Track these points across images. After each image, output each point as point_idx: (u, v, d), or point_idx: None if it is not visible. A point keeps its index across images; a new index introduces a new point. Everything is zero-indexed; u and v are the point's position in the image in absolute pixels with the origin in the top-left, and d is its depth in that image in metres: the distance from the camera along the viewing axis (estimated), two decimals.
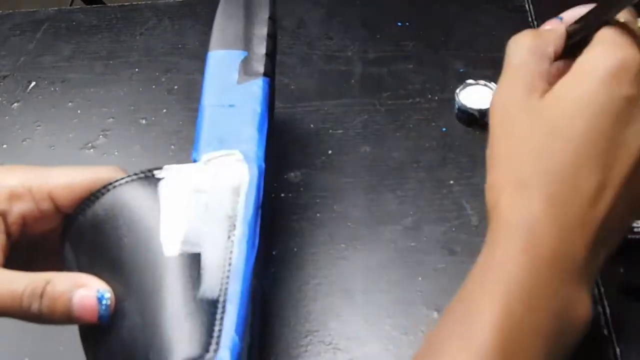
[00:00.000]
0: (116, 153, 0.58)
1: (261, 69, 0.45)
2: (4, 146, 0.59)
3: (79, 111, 0.61)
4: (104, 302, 0.33)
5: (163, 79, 0.63)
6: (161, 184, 0.37)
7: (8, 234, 0.35)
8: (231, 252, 0.35)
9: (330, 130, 0.57)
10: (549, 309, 0.30)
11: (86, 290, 0.33)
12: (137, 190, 0.37)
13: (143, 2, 0.70)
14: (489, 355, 0.28)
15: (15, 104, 0.62)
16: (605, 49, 0.32)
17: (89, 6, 0.75)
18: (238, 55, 0.46)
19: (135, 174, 0.38)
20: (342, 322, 0.45)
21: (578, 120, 0.31)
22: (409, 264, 0.48)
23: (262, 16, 0.48)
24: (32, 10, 0.71)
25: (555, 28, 0.37)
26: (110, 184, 0.37)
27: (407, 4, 0.66)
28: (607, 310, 0.45)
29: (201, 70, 0.63)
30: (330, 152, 0.55)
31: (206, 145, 0.41)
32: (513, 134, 0.34)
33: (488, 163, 0.35)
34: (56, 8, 0.71)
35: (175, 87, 0.62)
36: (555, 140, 0.32)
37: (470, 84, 0.56)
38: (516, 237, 0.31)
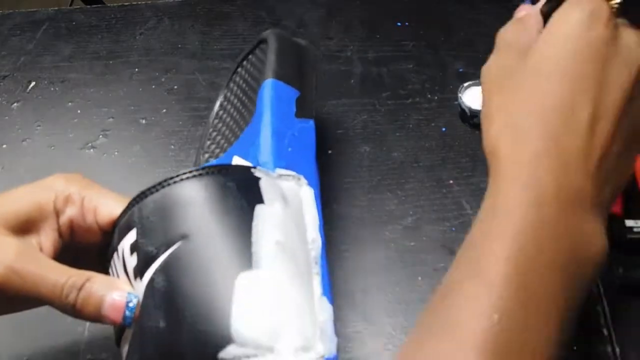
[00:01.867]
0: (116, 153, 0.58)
1: (312, 112, 0.47)
2: (4, 146, 0.59)
3: (79, 111, 0.61)
4: (130, 304, 0.35)
5: (163, 79, 0.63)
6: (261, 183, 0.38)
7: (60, 234, 0.38)
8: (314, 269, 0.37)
9: (330, 131, 0.57)
10: (560, 242, 0.30)
11: (118, 293, 0.35)
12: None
13: (143, 2, 0.70)
14: (504, 289, 0.29)
15: (15, 104, 0.62)
16: (574, 4, 0.34)
17: (89, 6, 0.75)
18: (294, 92, 0.47)
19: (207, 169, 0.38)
20: (342, 322, 0.45)
21: (562, 62, 0.33)
22: (409, 264, 0.48)
23: (310, 65, 0.50)
24: (32, 10, 0.71)
25: (530, 12, 0.39)
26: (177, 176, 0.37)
27: (407, 4, 0.66)
28: (607, 310, 0.45)
29: (201, 70, 0.63)
30: (330, 152, 0.55)
31: (278, 160, 0.42)
32: (504, 88, 0.35)
33: (483, 122, 0.35)
34: (56, 8, 0.71)
35: (175, 87, 0.62)
36: (543, 83, 0.33)
37: (472, 84, 0.56)
38: (518, 176, 0.31)
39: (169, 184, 0.37)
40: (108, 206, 0.38)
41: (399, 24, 0.65)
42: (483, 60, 0.60)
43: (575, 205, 0.31)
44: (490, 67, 0.37)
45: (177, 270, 0.34)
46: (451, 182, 0.52)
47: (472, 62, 0.61)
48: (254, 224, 0.35)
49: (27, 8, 0.72)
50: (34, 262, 0.36)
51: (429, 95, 0.59)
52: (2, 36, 0.68)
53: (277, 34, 0.51)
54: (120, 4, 0.71)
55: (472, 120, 0.55)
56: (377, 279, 0.47)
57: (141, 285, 0.35)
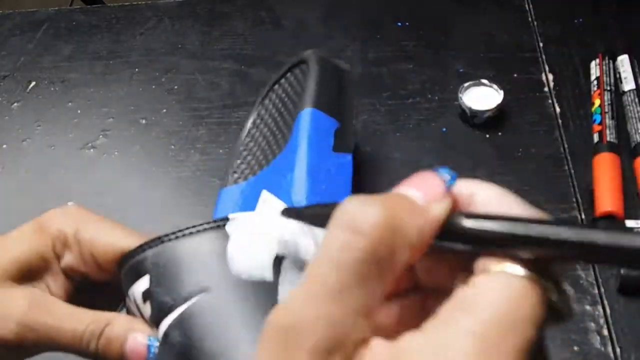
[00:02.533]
0: (116, 153, 0.58)
1: (351, 144, 0.46)
2: (4, 146, 0.59)
3: (79, 111, 0.61)
4: (152, 349, 0.34)
5: (163, 79, 0.63)
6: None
7: (66, 275, 0.37)
8: None
9: None
10: None
11: (139, 337, 0.34)
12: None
13: (143, 2, 0.70)
14: None
15: (15, 104, 0.62)
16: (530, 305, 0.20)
17: (89, 6, 0.75)
18: (333, 123, 0.45)
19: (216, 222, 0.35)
20: None
21: None
22: None
23: (351, 93, 0.49)
24: (32, 10, 0.71)
25: (433, 198, 0.24)
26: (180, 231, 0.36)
27: (407, 4, 0.66)
28: (607, 310, 0.45)
29: (201, 70, 0.63)
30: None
31: (311, 199, 0.40)
32: None
33: None
34: (56, 8, 0.71)
35: (175, 87, 0.62)
36: None
37: (472, 85, 0.56)
38: None
39: (190, 233, 0.35)
40: (105, 243, 0.36)
41: (399, 24, 0.65)
42: (483, 60, 0.61)
43: None
44: None
45: (195, 326, 0.32)
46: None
47: (472, 62, 0.60)
48: (280, 279, 0.33)
49: (27, 8, 0.72)
50: (48, 312, 0.34)
51: (429, 96, 0.59)
52: (2, 36, 0.68)
53: (318, 57, 0.49)
54: (120, 4, 0.71)
55: (472, 120, 0.55)
56: None
57: (157, 335, 0.34)
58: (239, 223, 0.35)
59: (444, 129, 0.56)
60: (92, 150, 0.58)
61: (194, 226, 0.35)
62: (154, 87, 0.62)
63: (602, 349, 0.43)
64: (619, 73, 0.57)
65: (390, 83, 0.60)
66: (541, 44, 0.61)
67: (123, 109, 0.61)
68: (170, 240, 0.35)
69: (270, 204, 0.40)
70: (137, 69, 0.64)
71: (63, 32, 0.68)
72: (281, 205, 0.40)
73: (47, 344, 0.34)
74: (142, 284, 0.34)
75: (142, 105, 0.61)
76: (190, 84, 0.62)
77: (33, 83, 0.64)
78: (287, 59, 0.63)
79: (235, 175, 0.48)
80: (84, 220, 0.37)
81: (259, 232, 0.35)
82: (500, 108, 0.55)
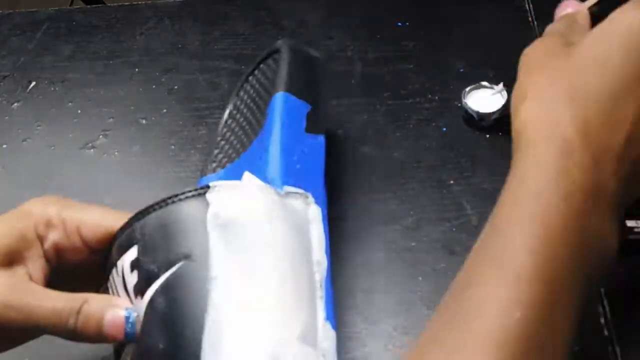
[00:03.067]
0: (116, 153, 0.58)
1: (324, 126, 0.47)
2: (4, 146, 0.59)
3: (79, 111, 0.61)
4: (130, 320, 0.35)
5: (163, 79, 0.63)
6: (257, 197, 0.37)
7: (47, 259, 0.37)
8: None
9: (330, 131, 0.57)
10: (583, 237, 0.30)
11: (117, 309, 0.35)
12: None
13: (143, 2, 0.70)
14: (530, 284, 0.28)
15: (16, 104, 0.62)
16: (634, 7, 0.33)
17: (89, 6, 0.75)
18: (305, 107, 0.47)
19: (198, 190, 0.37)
20: (342, 322, 0.45)
21: (614, 59, 0.32)
22: (409, 264, 0.48)
23: (320, 78, 0.50)
24: (32, 10, 0.71)
25: (579, 9, 0.39)
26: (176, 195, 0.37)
27: (407, 4, 0.66)
28: (607, 310, 0.45)
29: (201, 70, 0.63)
30: (330, 152, 0.55)
31: (286, 177, 0.41)
32: (546, 69, 0.34)
33: (514, 99, 0.34)
34: (56, 8, 0.71)
35: (175, 87, 0.62)
36: (590, 75, 0.32)
37: (474, 88, 0.56)
38: (548, 164, 0.31)
39: (173, 202, 0.36)
40: (92, 222, 0.38)
41: (399, 24, 0.65)
42: (483, 60, 0.60)
43: (599, 202, 0.31)
44: (536, 47, 0.37)
45: (178, 291, 0.34)
46: (451, 182, 0.52)
47: (472, 62, 0.60)
48: None
49: (27, 8, 0.71)
50: (27, 293, 0.35)
51: (429, 96, 0.58)
52: (2, 36, 0.68)
53: (290, 44, 0.50)
54: (120, 4, 0.71)
55: (480, 123, 0.55)
56: (377, 279, 0.47)
57: (142, 303, 0.35)
58: (220, 190, 0.36)
59: (444, 129, 0.56)
60: (92, 150, 0.58)
61: (177, 195, 0.36)
62: (154, 87, 0.62)
63: (603, 348, 0.43)
64: None
65: (390, 83, 0.60)
66: None
67: (123, 109, 0.61)
68: (155, 210, 0.36)
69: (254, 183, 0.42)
70: (137, 69, 0.64)
71: (63, 32, 0.68)
72: (262, 183, 0.41)
73: (27, 325, 0.35)
74: (131, 254, 0.35)
75: (142, 105, 0.61)
76: (190, 84, 0.62)
77: (33, 83, 0.64)
78: None
79: (214, 165, 0.49)
80: (68, 204, 0.39)
81: (239, 200, 0.36)
82: (505, 108, 0.55)
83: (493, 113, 0.54)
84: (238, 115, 0.51)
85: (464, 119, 0.56)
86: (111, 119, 0.60)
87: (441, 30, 0.64)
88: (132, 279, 0.35)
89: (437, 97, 0.58)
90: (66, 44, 0.67)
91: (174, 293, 0.34)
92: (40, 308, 0.35)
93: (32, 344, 0.47)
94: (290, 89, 0.47)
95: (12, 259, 0.36)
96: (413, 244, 0.49)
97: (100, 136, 0.59)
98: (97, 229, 0.37)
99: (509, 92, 0.55)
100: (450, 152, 0.54)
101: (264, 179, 0.41)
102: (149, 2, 0.70)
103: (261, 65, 0.52)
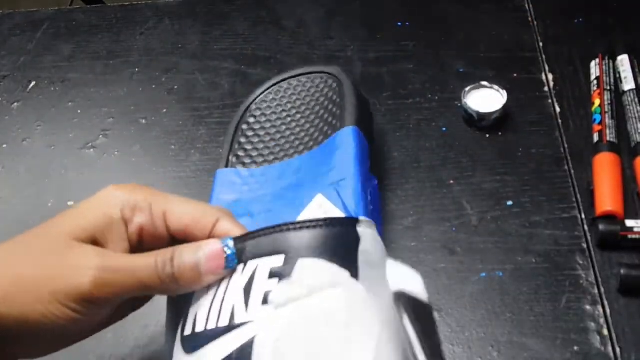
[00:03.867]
0: (116, 153, 0.58)
1: (377, 168, 0.48)
2: (4, 146, 0.59)
3: (79, 111, 0.61)
4: (229, 244, 0.35)
5: (163, 79, 0.63)
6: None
7: (129, 242, 0.37)
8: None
9: None
10: None
11: (212, 242, 0.36)
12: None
13: (143, 2, 0.70)
14: None
15: (16, 104, 0.62)
16: None
17: (89, 6, 0.75)
18: (368, 146, 0.48)
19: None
20: None
21: None
22: (409, 264, 0.48)
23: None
24: (32, 10, 0.71)
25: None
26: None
27: (407, 4, 0.66)
28: (607, 310, 0.45)
29: (201, 70, 0.63)
30: None
31: (365, 213, 0.43)
32: None
33: None
34: (56, 8, 0.71)
35: (176, 87, 0.62)
36: None
37: (473, 88, 0.56)
38: None
39: (326, 224, 0.35)
40: (179, 210, 0.37)
41: (399, 24, 0.65)
42: (483, 60, 0.61)
43: None
44: None
45: (324, 318, 0.33)
46: (451, 182, 0.52)
47: (472, 62, 0.61)
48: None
49: (27, 8, 0.72)
50: (118, 257, 0.35)
51: (429, 95, 0.59)
52: (2, 36, 0.68)
53: (349, 76, 0.51)
54: (120, 3, 0.71)
55: (480, 123, 0.55)
56: None
57: (265, 312, 0.33)
58: (366, 226, 0.36)
59: (444, 129, 0.56)
60: (92, 150, 0.58)
61: (329, 219, 0.35)
62: (154, 87, 0.62)
63: (602, 349, 0.43)
64: (619, 73, 0.57)
65: (390, 83, 0.60)
66: (541, 44, 0.61)
67: (123, 108, 0.61)
68: (308, 227, 0.35)
69: (325, 209, 0.42)
70: (137, 69, 0.64)
71: (63, 32, 0.68)
72: (338, 213, 0.42)
73: (127, 284, 0.34)
74: (275, 261, 0.34)
75: (142, 105, 0.61)
76: (190, 84, 0.62)
77: (33, 83, 0.64)
78: (287, 59, 0.63)
79: (237, 160, 0.50)
80: (153, 191, 0.39)
81: (377, 239, 0.36)
82: (505, 108, 0.55)
83: (493, 113, 0.54)
84: (274, 117, 0.52)
85: (464, 119, 0.56)
86: (111, 119, 0.60)
87: (441, 30, 0.64)
88: (268, 285, 0.34)
89: (437, 97, 0.58)
90: (66, 44, 0.67)
91: (316, 320, 0.33)
92: (135, 265, 0.35)
93: None
94: (360, 125, 0.47)
95: (97, 239, 0.36)
96: (413, 244, 0.49)
97: (100, 136, 0.59)
98: (183, 218, 0.37)
99: (509, 92, 0.55)
100: (450, 152, 0.54)
101: (345, 210, 0.42)
102: (149, 2, 0.70)
103: (307, 77, 0.53)
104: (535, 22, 0.63)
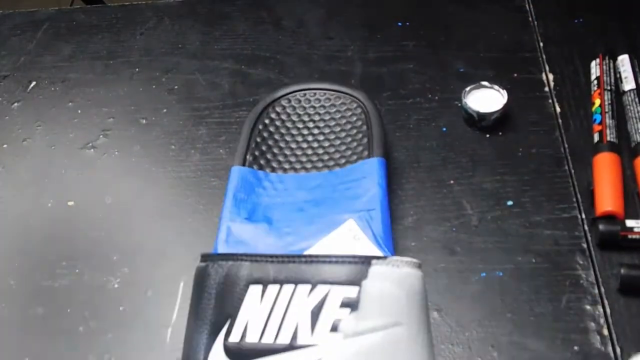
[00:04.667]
0: (116, 153, 0.58)
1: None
2: (4, 146, 0.59)
3: (79, 111, 0.61)
4: None
5: (163, 79, 0.63)
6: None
7: None
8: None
9: None
10: None
11: None
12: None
13: (143, 2, 0.70)
14: None
15: (16, 104, 0.62)
16: None
17: (89, 6, 0.75)
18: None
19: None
20: None
21: None
22: None
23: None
24: (32, 10, 0.71)
25: None
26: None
27: (407, 4, 0.66)
28: (608, 310, 0.45)
29: (201, 70, 0.63)
30: None
31: (390, 247, 0.44)
32: None
33: None
34: (56, 8, 0.71)
35: (176, 87, 0.62)
36: None
37: (474, 88, 0.56)
38: None
39: (397, 265, 0.37)
40: None
41: (399, 24, 0.65)
42: (483, 60, 0.61)
43: None
44: None
45: (380, 354, 0.34)
46: (452, 182, 0.52)
47: (472, 62, 0.61)
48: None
49: (27, 8, 0.72)
50: None
51: (430, 95, 0.59)
52: (2, 36, 0.68)
53: (375, 104, 0.52)
54: (120, 3, 0.71)
55: (480, 123, 0.55)
56: None
57: (333, 339, 0.34)
58: (415, 266, 0.38)
59: (444, 129, 0.56)
60: (92, 150, 0.58)
61: (397, 259, 0.37)
62: (154, 87, 0.62)
63: (603, 348, 0.43)
64: (619, 73, 0.57)
65: (390, 83, 0.60)
66: (541, 44, 0.61)
67: (123, 108, 0.61)
68: (385, 264, 0.37)
69: (354, 234, 0.44)
70: (137, 69, 0.64)
71: (63, 32, 0.68)
72: (368, 242, 0.43)
73: None
74: (350, 291, 0.36)
75: (143, 105, 0.61)
76: (190, 84, 0.62)
77: (33, 83, 0.64)
78: (287, 59, 0.63)
79: (253, 159, 0.50)
80: None
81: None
82: (505, 108, 0.55)
83: (493, 113, 0.54)
84: (293, 129, 0.52)
85: (464, 119, 0.56)
86: (111, 119, 0.60)
87: (441, 30, 0.64)
88: (339, 314, 0.35)
89: (437, 97, 0.58)
90: (66, 44, 0.67)
91: (380, 354, 0.34)
92: None
93: (32, 344, 0.47)
94: (385, 156, 0.49)
95: None
96: (413, 244, 0.49)
97: (101, 136, 0.59)
98: None
99: (509, 92, 0.55)
100: (450, 152, 0.54)
101: (372, 237, 0.44)
102: (149, 2, 0.70)
103: (331, 93, 0.54)
104: (535, 22, 0.63)
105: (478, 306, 0.46)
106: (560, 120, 0.56)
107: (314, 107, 0.53)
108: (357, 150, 0.50)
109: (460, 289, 0.47)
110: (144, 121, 0.60)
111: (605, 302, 0.45)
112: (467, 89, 0.56)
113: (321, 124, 0.52)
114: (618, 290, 0.46)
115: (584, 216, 0.50)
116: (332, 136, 0.51)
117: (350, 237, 0.44)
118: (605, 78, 0.56)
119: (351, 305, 0.35)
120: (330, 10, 0.67)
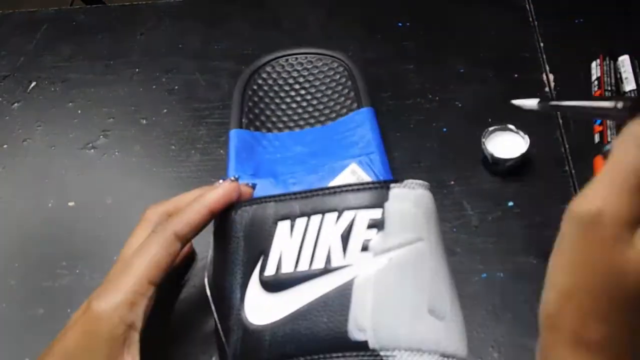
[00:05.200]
0: (117, 153, 0.58)
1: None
2: (5, 146, 0.59)
3: (79, 111, 0.61)
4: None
5: (163, 79, 0.63)
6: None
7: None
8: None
9: None
10: None
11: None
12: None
13: (143, 2, 0.70)
14: None
15: (16, 104, 0.62)
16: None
17: (89, 6, 0.75)
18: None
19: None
20: None
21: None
22: None
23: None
24: (32, 10, 0.71)
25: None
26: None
27: (407, 4, 0.66)
28: None
29: (201, 70, 0.63)
30: None
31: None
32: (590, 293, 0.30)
33: (550, 289, 0.32)
34: (56, 8, 0.71)
35: (176, 87, 0.62)
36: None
37: (496, 130, 0.53)
38: None
39: (427, 187, 0.40)
40: (183, 223, 0.40)
41: (399, 24, 0.65)
42: (483, 60, 0.61)
43: None
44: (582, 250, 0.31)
45: (408, 264, 0.37)
46: (452, 182, 0.52)
47: (472, 62, 0.60)
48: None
49: (27, 8, 0.72)
50: None
51: (430, 96, 0.59)
52: (2, 36, 0.68)
53: (355, 61, 0.57)
54: (120, 4, 0.71)
55: (494, 167, 0.53)
56: None
57: (365, 258, 0.37)
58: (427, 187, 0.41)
59: (444, 129, 0.56)
60: (92, 150, 0.58)
61: (416, 182, 0.40)
62: (154, 87, 0.62)
63: None
64: (620, 73, 0.57)
65: (390, 83, 0.60)
66: (541, 44, 0.61)
67: (123, 109, 0.61)
68: (411, 187, 0.40)
69: (358, 175, 0.49)
70: (137, 69, 0.64)
71: (63, 32, 0.68)
72: (368, 179, 0.48)
73: None
74: (374, 213, 0.38)
75: (143, 106, 0.61)
76: (190, 84, 0.62)
77: (33, 83, 0.64)
78: None
79: (248, 122, 0.54)
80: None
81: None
82: (525, 155, 0.52)
83: (508, 160, 0.52)
84: (280, 89, 0.56)
85: (482, 161, 0.54)
86: (111, 119, 0.60)
87: (441, 30, 0.64)
88: (367, 234, 0.38)
89: (437, 97, 0.58)
90: (66, 44, 0.67)
91: (406, 265, 0.37)
92: None
93: (32, 344, 0.47)
94: (373, 105, 0.54)
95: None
96: None
97: (101, 136, 0.59)
98: (192, 229, 0.40)
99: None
100: (450, 152, 0.54)
101: (374, 177, 0.49)
102: (149, 2, 0.70)
103: (309, 57, 0.58)
104: (535, 22, 0.63)
105: (478, 306, 0.46)
106: (560, 121, 0.56)
107: (297, 70, 0.57)
108: (345, 103, 0.55)
109: (460, 289, 0.46)
110: (144, 121, 0.60)
111: None
112: (491, 129, 0.53)
113: (307, 85, 0.56)
114: None
115: None
116: (319, 94, 0.55)
117: (354, 179, 0.48)
118: (605, 79, 0.56)
119: (377, 225, 0.38)
120: (330, 10, 0.67)
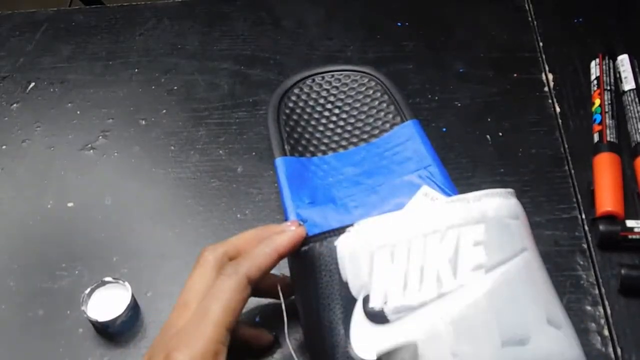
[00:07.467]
0: (116, 154, 0.58)
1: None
2: (4, 147, 0.59)
3: (78, 112, 0.61)
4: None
5: (163, 80, 0.63)
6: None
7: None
8: None
9: None
10: None
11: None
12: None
13: (143, 3, 0.70)
14: None
15: (15, 105, 0.62)
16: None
17: (88, 7, 0.75)
18: None
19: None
20: None
21: None
22: None
23: None
24: (31, 10, 0.71)
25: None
26: None
27: (407, 4, 0.66)
28: (608, 311, 0.45)
29: (201, 71, 0.63)
30: None
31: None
32: None
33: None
34: (55, 8, 0.71)
35: (175, 87, 0.62)
36: None
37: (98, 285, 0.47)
38: None
39: (509, 195, 0.40)
40: (255, 266, 0.39)
41: (399, 24, 0.65)
42: (483, 60, 0.61)
43: None
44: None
45: (520, 278, 0.37)
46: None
47: (472, 62, 0.60)
48: None
49: (27, 9, 0.71)
50: None
51: (429, 96, 0.58)
52: (1, 37, 0.68)
53: (384, 74, 0.56)
54: (119, 4, 0.71)
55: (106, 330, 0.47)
56: None
57: (477, 276, 0.36)
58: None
59: (444, 129, 0.56)
60: (91, 151, 0.58)
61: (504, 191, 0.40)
62: (153, 87, 0.62)
63: (603, 349, 0.43)
64: (619, 73, 0.57)
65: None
66: (541, 44, 0.61)
67: (123, 109, 0.61)
68: (505, 197, 0.39)
69: (431, 196, 0.47)
70: (136, 70, 0.64)
71: (62, 33, 0.68)
72: (442, 197, 0.46)
73: None
74: (477, 230, 0.38)
75: (142, 106, 0.61)
76: (190, 84, 0.62)
77: (32, 84, 0.64)
78: (287, 60, 0.63)
79: (291, 148, 0.51)
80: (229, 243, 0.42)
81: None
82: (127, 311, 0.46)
83: (117, 318, 0.46)
84: (312, 111, 0.54)
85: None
86: (111, 120, 0.60)
87: (441, 30, 0.64)
88: (475, 252, 0.37)
89: (437, 98, 0.58)
90: (65, 45, 0.67)
91: (519, 278, 0.37)
92: None
93: (31, 345, 0.47)
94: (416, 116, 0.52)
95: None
96: None
97: (100, 137, 0.59)
98: (262, 273, 0.40)
99: (509, 92, 0.55)
100: (450, 152, 0.54)
101: (445, 194, 0.46)
102: (149, 2, 0.70)
103: (344, 74, 0.56)
104: (535, 22, 0.63)
105: None
106: (560, 120, 0.56)
107: (327, 90, 0.55)
108: (386, 118, 0.53)
109: None
110: (144, 122, 0.60)
111: (606, 302, 0.45)
112: (87, 291, 0.47)
113: (339, 103, 0.54)
114: (618, 291, 0.46)
115: (584, 216, 0.50)
116: (355, 112, 0.54)
117: (428, 200, 0.46)
118: (605, 78, 0.56)
119: (483, 242, 0.37)
120: (330, 11, 0.67)
